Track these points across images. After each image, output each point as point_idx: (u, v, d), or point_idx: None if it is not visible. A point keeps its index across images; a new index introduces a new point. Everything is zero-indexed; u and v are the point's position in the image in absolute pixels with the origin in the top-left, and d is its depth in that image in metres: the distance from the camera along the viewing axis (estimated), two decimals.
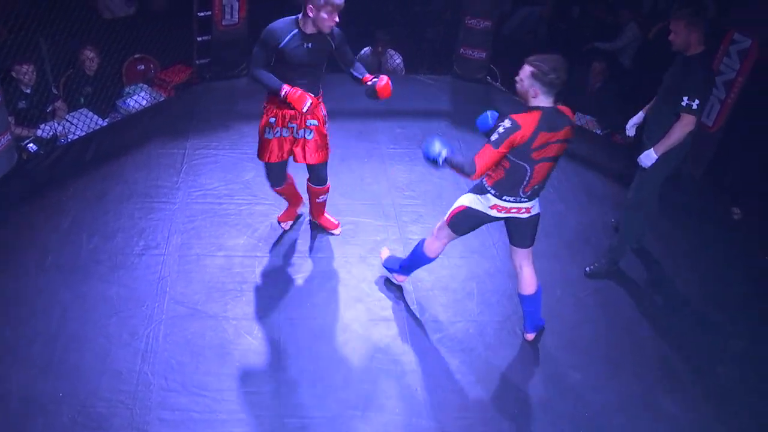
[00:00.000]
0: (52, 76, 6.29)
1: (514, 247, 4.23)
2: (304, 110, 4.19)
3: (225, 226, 5.14)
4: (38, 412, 3.71)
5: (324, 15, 4.02)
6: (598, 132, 7.15)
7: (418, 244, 4.45)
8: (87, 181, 5.50)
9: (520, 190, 3.92)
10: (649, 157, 4.70)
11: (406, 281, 4.76)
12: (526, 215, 4.06)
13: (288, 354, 4.20)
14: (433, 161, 3.88)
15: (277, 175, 4.72)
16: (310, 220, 5.21)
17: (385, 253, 4.86)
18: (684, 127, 4.50)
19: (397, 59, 7.77)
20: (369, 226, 5.26)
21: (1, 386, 3.83)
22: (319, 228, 5.18)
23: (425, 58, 8.10)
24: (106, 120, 6.45)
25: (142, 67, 7.08)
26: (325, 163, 4.70)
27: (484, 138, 3.86)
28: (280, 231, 5.12)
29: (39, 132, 6.00)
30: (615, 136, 7.09)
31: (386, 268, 4.79)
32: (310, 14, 4.03)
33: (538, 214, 4.11)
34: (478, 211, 4.06)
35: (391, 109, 6.58)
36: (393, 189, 5.73)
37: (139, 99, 6.67)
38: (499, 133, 3.68)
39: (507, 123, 3.68)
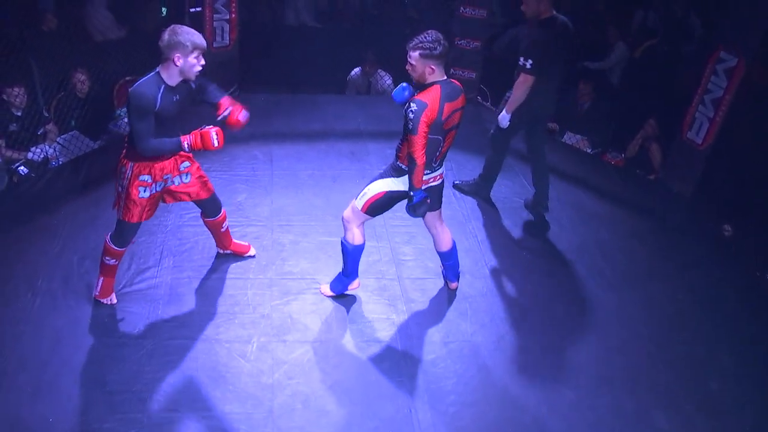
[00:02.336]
0: (43, 99, 6.29)
1: (432, 214, 4.51)
2: (217, 145, 4.05)
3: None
4: None
5: (193, 60, 3.84)
6: (589, 151, 7.19)
7: (342, 247, 4.54)
8: (78, 204, 5.48)
9: (433, 161, 4.20)
10: (504, 119, 5.36)
11: (358, 284, 4.80)
12: (438, 182, 4.37)
13: (281, 376, 4.18)
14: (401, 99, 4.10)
15: (134, 233, 4.39)
16: (219, 252, 5.10)
17: (325, 289, 4.80)
18: (521, 84, 5.13)
19: (387, 80, 7.80)
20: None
21: None
22: (311, 250, 5.17)
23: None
24: (98, 143, 6.45)
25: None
26: (214, 193, 4.60)
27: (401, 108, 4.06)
28: (274, 253, 5.10)
29: (30, 155, 6.00)
30: (606, 156, 7.14)
31: (338, 292, 4.76)
32: (178, 63, 3.80)
33: (444, 180, 4.44)
34: (398, 192, 4.29)
35: (382, 130, 6.61)
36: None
37: None
38: (411, 120, 3.92)
39: (413, 106, 3.92)
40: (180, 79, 3.91)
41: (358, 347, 4.45)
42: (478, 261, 5.26)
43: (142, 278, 4.79)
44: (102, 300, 4.52)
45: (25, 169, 5.84)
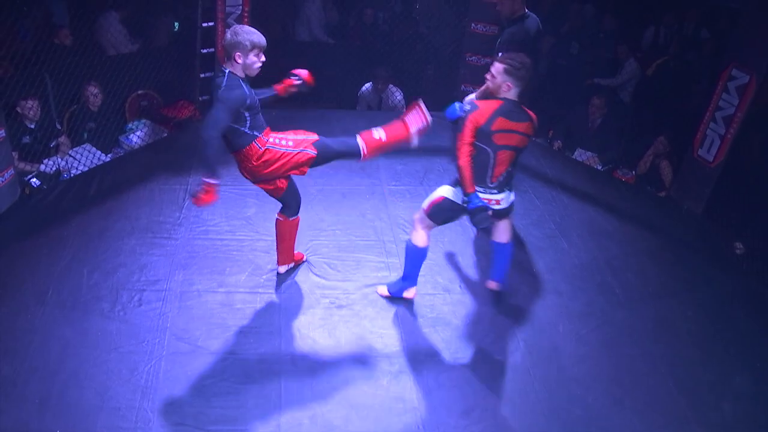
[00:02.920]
0: (56, 112, 6.34)
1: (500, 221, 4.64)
2: (195, 204, 4.12)
3: (227, 262, 5.13)
4: None
5: (254, 58, 4.03)
6: (599, 168, 7.18)
7: (407, 246, 4.67)
8: (89, 217, 5.51)
9: (487, 179, 4.30)
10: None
11: (414, 294, 4.88)
12: (498, 206, 4.42)
13: (289, 391, 4.16)
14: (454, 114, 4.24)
15: None
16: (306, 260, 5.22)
17: (382, 289, 4.92)
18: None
19: (398, 95, 7.82)
20: (370, 262, 5.25)
21: None
22: (320, 265, 5.17)
23: (426, 95, 8.15)
24: (109, 155, 6.49)
25: (145, 103, 7.14)
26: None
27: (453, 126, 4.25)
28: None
29: (42, 167, 6.04)
30: (616, 172, 7.12)
31: (394, 294, 4.87)
32: (239, 61, 4.00)
33: (511, 205, 4.53)
34: (454, 203, 4.38)
35: None
36: (394, 226, 5.73)
37: (141, 135, 6.72)
38: (462, 118, 4.16)
39: (467, 106, 4.17)
40: (244, 75, 4.08)
41: (366, 363, 4.43)
42: (487, 276, 5.24)
43: (152, 291, 4.80)
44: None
45: (38, 181, 5.87)
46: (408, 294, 4.84)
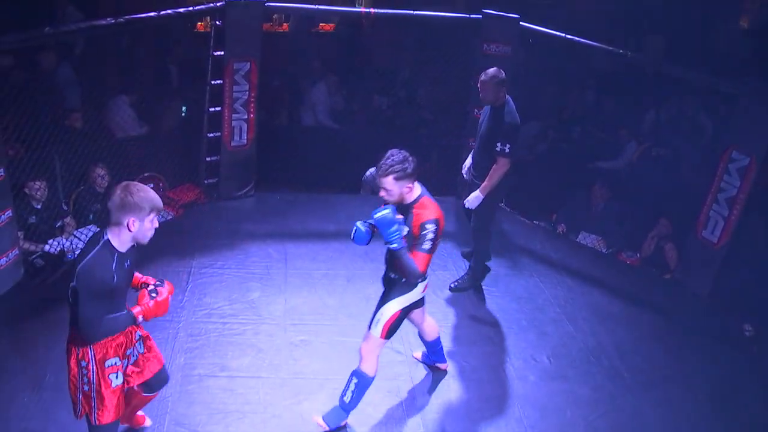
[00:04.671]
0: (63, 193, 6.39)
1: (417, 310, 4.41)
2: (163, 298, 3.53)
3: (229, 345, 5.07)
4: None
5: (149, 225, 3.33)
6: (604, 251, 7.17)
7: (356, 377, 4.25)
8: None
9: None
10: (477, 199, 5.47)
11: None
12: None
13: None
14: (386, 239, 3.87)
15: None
16: None
17: (318, 419, 4.38)
18: (500, 168, 5.35)
19: None
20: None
21: None
22: (324, 350, 5.10)
23: (430, 180, 8.22)
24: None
25: (152, 185, 7.14)
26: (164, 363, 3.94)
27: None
28: (286, 352, 5.03)
29: (47, 247, 6.04)
30: (621, 255, 7.11)
31: (333, 427, 4.37)
32: (132, 228, 3.27)
33: None
34: (413, 303, 4.23)
35: None
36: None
37: None
38: (430, 240, 3.91)
39: (431, 227, 3.90)
40: (132, 244, 3.39)
41: None
42: (493, 361, 5.18)
43: None
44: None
45: (41, 261, 5.87)
46: (344, 421, 4.39)
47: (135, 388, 3.78)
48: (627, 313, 6.03)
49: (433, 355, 4.92)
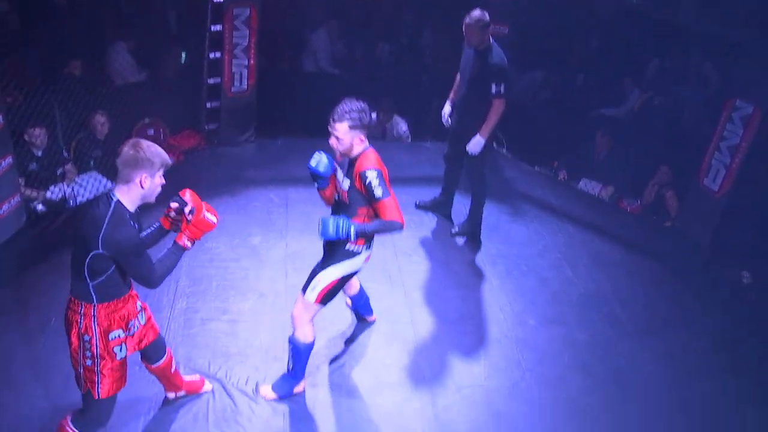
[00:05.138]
0: (63, 140, 6.37)
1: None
2: (216, 221, 3.47)
3: (231, 290, 5.11)
4: None
5: (159, 180, 3.24)
6: (605, 198, 7.17)
7: (290, 344, 4.11)
8: None
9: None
10: (478, 143, 5.49)
11: (303, 386, 4.35)
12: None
13: (293, 421, 4.12)
14: (341, 239, 3.77)
15: (112, 409, 3.52)
16: None
17: (266, 391, 4.27)
18: (498, 109, 5.37)
19: (404, 126, 7.85)
20: (375, 292, 5.21)
21: None
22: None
23: (431, 126, 8.19)
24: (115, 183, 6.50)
25: (152, 131, 7.16)
26: (160, 333, 3.82)
27: (317, 175, 3.97)
28: (288, 296, 5.07)
29: (48, 194, 6.05)
30: (622, 202, 7.11)
31: (283, 396, 4.26)
32: (144, 185, 3.16)
33: None
34: (351, 273, 4.05)
35: (396, 176, 6.60)
36: (399, 255, 5.71)
37: None
38: (381, 185, 3.71)
39: (373, 174, 3.71)
40: (140, 203, 3.25)
41: (370, 392, 4.39)
42: (492, 306, 5.22)
43: (156, 319, 4.74)
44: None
45: (43, 207, 5.88)
46: (298, 388, 4.30)
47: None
48: (627, 259, 6.07)
49: (361, 308, 4.89)
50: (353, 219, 3.82)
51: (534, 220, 6.45)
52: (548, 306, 5.33)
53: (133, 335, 3.51)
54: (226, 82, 7.04)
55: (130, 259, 3.16)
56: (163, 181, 3.24)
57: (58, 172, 6.18)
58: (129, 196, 3.17)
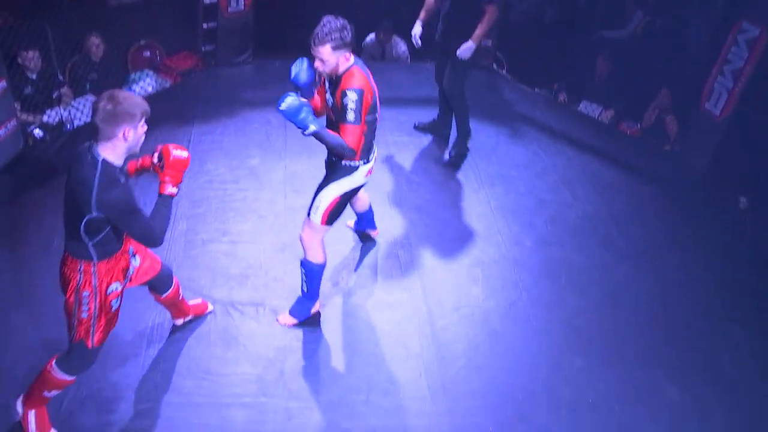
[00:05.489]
0: (57, 63, 6.29)
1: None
2: (187, 155, 3.27)
3: (230, 211, 5.14)
4: None
5: (142, 130, 3.08)
6: (605, 120, 7.13)
7: (303, 267, 4.16)
8: None
9: (373, 148, 4.03)
10: (469, 49, 5.48)
11: (319, 305, 4.42)
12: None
13: (292, 339, 4.21)
14: (298, 126, 3.65)
15: (98, 356, 3.49)
16: None
17: (285, 318, 4.35)
18: (492, 16, 5.43)
19: (403, 46, 7.74)
20: (375, 214, 5.25)
21: (9, 370, 3.86)
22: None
23: (431, 46, 8.09)
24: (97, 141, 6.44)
25: (148, 53, 7.08)
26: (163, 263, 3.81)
27: (297, 86, 3.86)
28: (287, 217, 5.11)
29: (45, 118, 6.01)
30: (621, 125, 7.08)
31: (301, 319, 4.33)
32: (127, 140, 3.01)
33: None
34: (354, 189, 4.03)
35: (396, 96, 6.58)
36: (397, 176, 5.73)
37: (144, 85, 6.69)
38: (354, 110, 3.65)
39: (353, 96, 3.64)
40: (126, 156, 3.12)
41: (370, 311, 4.47)
42: (490, 227, 5.26)
43: None
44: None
45: (40, 131, 5.86)
46: (315, 309, 4.37)
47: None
48: (625, 183, 6.07)
49: (366, 223, 4.94)
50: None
51: (533, 142, 6.43)
52: (545, 228, 5.37)
53: (130, 280, 3.50)
54: (223, 2, 6.91)
55: (126, 218, 3.09)
56: (146, 128, 3.09)
57: (54, 95, 6.13)
58: (114, 152, 3.03)
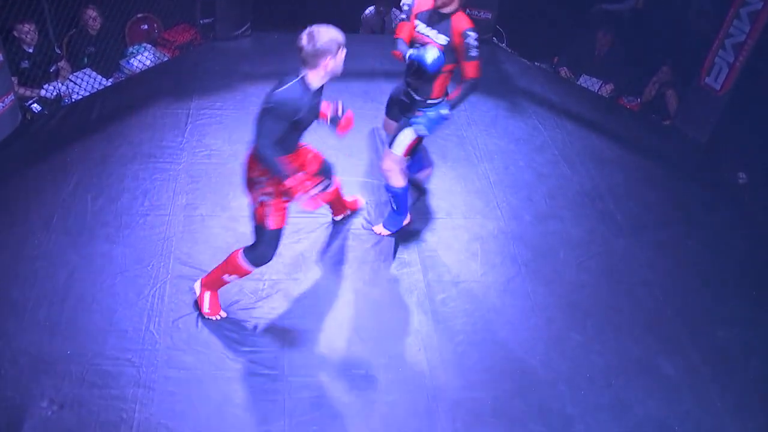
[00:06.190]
0: (54, 36, 6.25)
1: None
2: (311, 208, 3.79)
3: (229, 186, 5.13)
4: (46, 371, 3.77)
5: (342, 56, 3.58)
6: (605, 95, 7.10)
7: (389, 192, 4.66)
8: (91, 142, 5.49)
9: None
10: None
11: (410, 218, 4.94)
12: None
13: (292, 314, 4.24)
14: (429, 72, 4.13)
15: (280, 242, 3.98)
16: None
17: (380, 229, 4.89)
18: None
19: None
20: (377, 187, 5.26)
21: (9, 346, 3.89)
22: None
23: None
24: (110, 80, 6.43)
25: (146, 26, 7.02)
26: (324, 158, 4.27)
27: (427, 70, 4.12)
28: None
29: (42, 92, 5.98)
30: (621, 100, 7.05)
31: (394, 230, 4.88)
32: (329, 67, 3.54)
33: None
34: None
35: (395, 69, 6.51)
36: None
37: (142, 59, 6.64)
38: (475, 47, 4.10)
39: (472, 34, 4.09)
40: (326, 80, 3.63)
41: (369, 286, 4.50)
42: (489, 202, 5.26)
43: (156, 216, 4.83)
44: (212, 317, 4.19)
45: (38, 106, 5.83)
46: (406, 221, 4.90)
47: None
48: (625, 157, 6.06)
49: (419, 163, 5.09)
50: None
51: (532, 116, 6.41)
52: (544, 202, 5.37)
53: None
54: None
55: (267, 116, 3.49)
56: (345, 52, 3.58)
57: (52, 69, 6.10)
58: (316, 76, 3.56)
